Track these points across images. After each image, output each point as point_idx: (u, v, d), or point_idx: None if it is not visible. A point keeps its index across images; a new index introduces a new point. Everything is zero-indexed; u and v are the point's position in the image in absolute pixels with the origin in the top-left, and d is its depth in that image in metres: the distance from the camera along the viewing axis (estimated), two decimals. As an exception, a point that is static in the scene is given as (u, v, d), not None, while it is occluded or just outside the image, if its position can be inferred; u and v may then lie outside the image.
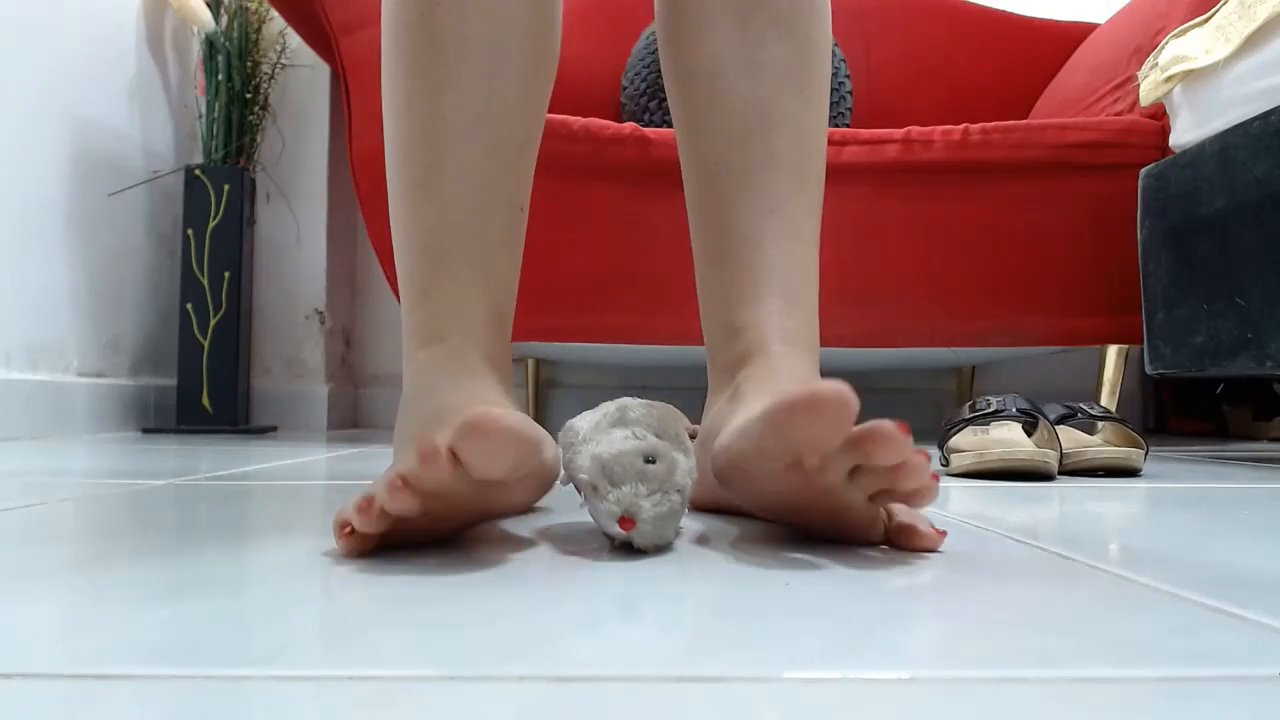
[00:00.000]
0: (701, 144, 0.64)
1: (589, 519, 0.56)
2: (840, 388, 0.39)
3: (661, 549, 0.44)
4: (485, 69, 0.57)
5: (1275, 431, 1.84)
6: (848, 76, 1.82)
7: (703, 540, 0.48)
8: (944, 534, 0.46)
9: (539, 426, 0.44)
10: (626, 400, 0.49)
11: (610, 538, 0.45)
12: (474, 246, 0.57)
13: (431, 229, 0.57)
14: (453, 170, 0.57)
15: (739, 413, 0.51)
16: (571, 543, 0.47)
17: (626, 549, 0.44)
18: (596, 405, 0.50)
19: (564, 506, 0.62)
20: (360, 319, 2.10)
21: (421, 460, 0.38)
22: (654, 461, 0.43)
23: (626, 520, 0.42)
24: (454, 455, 0.38)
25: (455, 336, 0.55)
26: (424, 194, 0.57)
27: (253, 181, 1.80)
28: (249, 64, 1.79)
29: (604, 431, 0.46)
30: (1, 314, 1.39)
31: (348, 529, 0.42)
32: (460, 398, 0.49)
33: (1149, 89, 1.28)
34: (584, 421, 0.49)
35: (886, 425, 0.40)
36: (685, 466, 0.45)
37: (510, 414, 0.38)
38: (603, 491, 0.43)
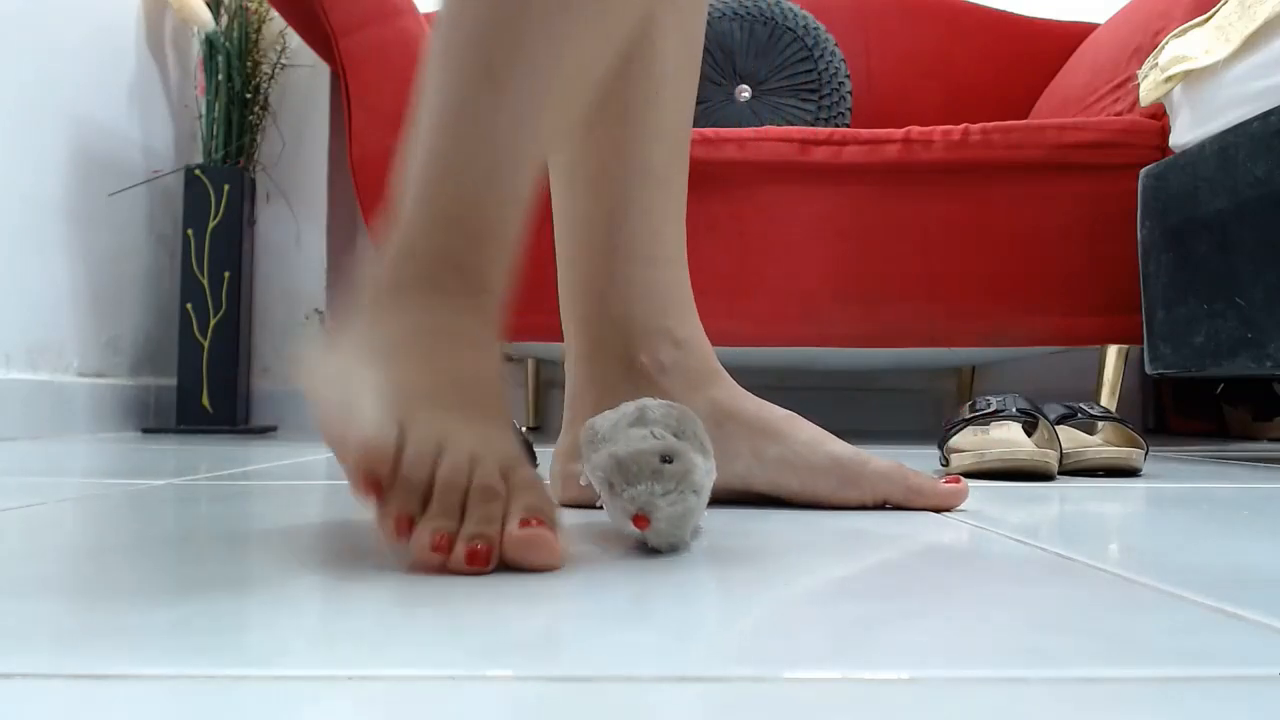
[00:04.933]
0: None
1: (601, 518, 0.55)
2: None
3: (677, 548, 0.44)
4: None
5: (1275, 431, 1.83)
6: (848, 76, 1.82)
7: (716, 540, 0.48)
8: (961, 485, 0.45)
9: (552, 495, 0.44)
10: (646, 400, 0.49)
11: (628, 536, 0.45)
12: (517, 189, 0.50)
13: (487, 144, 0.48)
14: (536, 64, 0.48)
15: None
16: (580, 542, 0.47)
17: (642, 548, 0.44)
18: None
19: (564, 506, 0.62)
20: (360, 319, 2.10)
21: (469, 559, 0.38)
22: (671, 461, 0.43)
23: (641, 518, 0.42)
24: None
25: (476, 294, 0.48)
26: (485, 94, 0.48)
27: (253, 181, 1.80)
28: (249, 64, 1.79)
29: (622, 431, 0.46)
30: (1, 314, 1.39)
31: (405, 523, 0.40)
32: (473, 401, 0.45)
33: (1149, 89, 1.28)
34: (604, 421, 0.49)
35: None
36: (703, 467, 0.45)
37: (556, 528, 0.40)
38: (618, 489, 0.43)
